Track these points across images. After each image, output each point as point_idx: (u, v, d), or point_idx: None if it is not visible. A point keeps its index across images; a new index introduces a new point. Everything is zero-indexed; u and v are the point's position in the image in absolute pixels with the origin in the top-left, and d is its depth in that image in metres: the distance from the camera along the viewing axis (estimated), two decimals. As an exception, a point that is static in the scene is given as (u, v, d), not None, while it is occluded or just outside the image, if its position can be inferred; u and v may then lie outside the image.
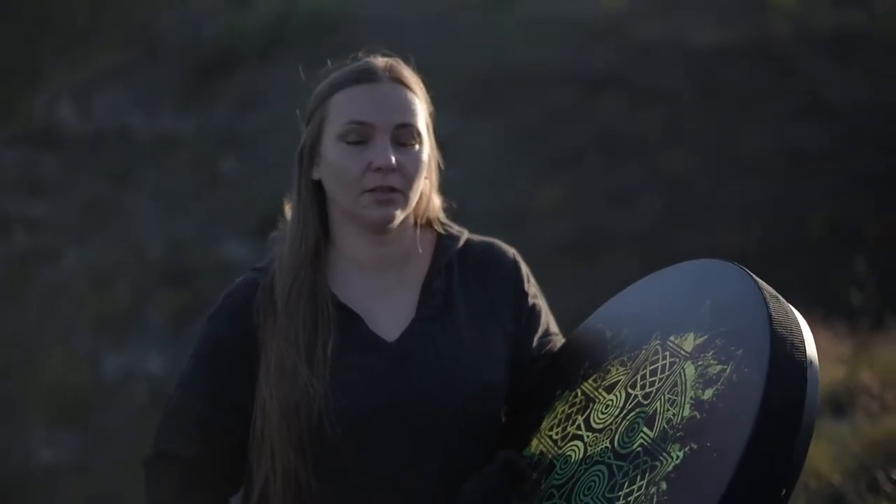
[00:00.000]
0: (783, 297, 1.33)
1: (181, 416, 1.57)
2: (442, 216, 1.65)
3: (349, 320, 1.54)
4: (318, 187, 1.58)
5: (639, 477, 1.29)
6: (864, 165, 13.56)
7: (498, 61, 15.97)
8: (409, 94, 1.56)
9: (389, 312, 1.56)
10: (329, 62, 1.62)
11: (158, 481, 1.58)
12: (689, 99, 15.24)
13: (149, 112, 17.34)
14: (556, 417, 1.51)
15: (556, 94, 15.68)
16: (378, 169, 1.51)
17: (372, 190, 1.52)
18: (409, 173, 1.53)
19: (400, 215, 1.54)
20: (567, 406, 1.50)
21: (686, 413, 1.28)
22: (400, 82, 1.56)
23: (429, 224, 1.64)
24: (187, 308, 14.89)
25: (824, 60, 15.43)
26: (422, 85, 1.59)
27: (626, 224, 13.39)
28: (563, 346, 1.62)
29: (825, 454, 3.13)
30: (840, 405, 3.75)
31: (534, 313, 1.64)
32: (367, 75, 1.55)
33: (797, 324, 1.28)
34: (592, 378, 1.49)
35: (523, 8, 17.17)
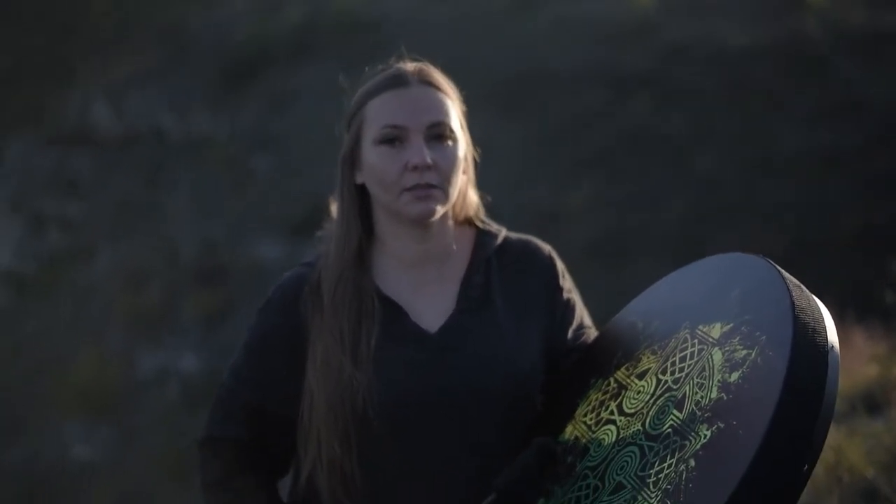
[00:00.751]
0: (816, 294, 1.38)
1: (231, 402, 1.66)
2: (481, 213, 1.73)
3: (393, 312, 1.62)
4: (361, 190, 1.66)
5: (669, 456, 1.36)
6: (894, 166, 13.51)
7: (527, 62, 15.99)
8: (440, 95, 1.63)
9: (431, 306, 1.64)
10: (367, 68, 1.70)
11: (209, 462, 1.67)
12: (720, 99, 15.22)
13: (181, 113, 17.45)
14: (590, 404, 1.58)
15: (585, 95, 15.69)
16: (415, 168, 1.58)
17: (411, 188, 1.59)
18: (444, 169, 1.61)
19: (440, 210, 1.61)
20: (601, 393, 1.57)
21: (714, 395, 1.35)
22: (430, 84, 1.64)
23: (468, 221, 1.71)
24: (220, 307, 14.98)
25: (856, 60, 15.38)
26: (453, 85, 1.67)
27: (655, 225, 13.39)
28: (597, 338, 1.70)
29: (859, 449, 3.15)
30: (875, 403, 3.78)
31: (569, 307, 1.71)
32: (399, 81, 1.63)
33: (819, 312, 1.35)
34: (625, 367, 1.56)
35: (552, 8, 17.18)
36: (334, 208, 1.69)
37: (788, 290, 1.34)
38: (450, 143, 1.62)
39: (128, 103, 17.90)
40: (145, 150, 17.15)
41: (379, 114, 1.61)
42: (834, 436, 2.87)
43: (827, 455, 2.85)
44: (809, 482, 2.90)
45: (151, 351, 14.91)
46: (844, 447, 3.03)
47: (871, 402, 3.71)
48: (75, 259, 16.14)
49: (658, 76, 15.71)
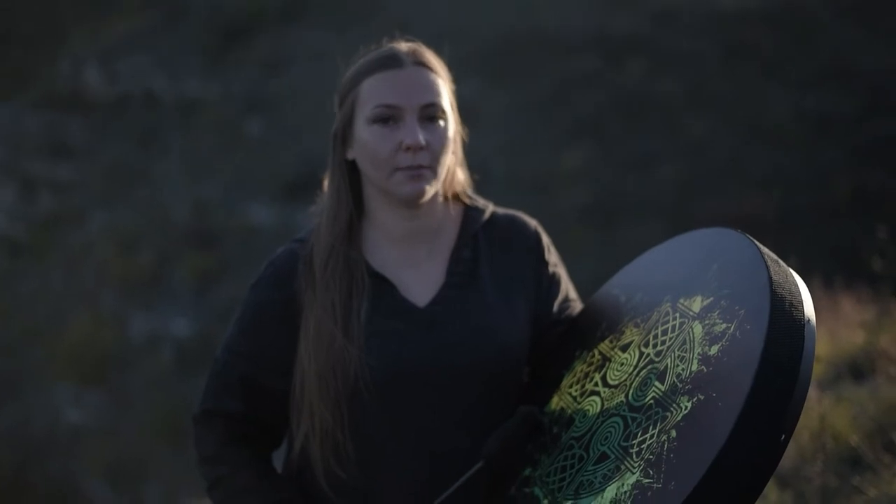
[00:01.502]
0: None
1: (227, 375, 1.70)
2: (468, 189, 1.76)
3: (383, 287, 1.66)
4: (352, 166, 1.70)
5: (651, 426, 1.40)
6: (887, 130, 13.52)
7: (520, 26, 15.95)
8: (433, 76, 1.66)
9: (420, 280, 1.68)
10: (361, 47, 1.73)
11: (205, 435, 1.71)
12: (712, 63, 15.20)
13: (173, 76, 17.40)
14: (575, 376, 1.62)
15: (578, 59, 15.67)
16: (408, 148, 1.62)
17: (403, 168, 1.63)
18: (436, 150, 1.64)
19: (430, 190, 1.65)
20: (585, 365, 1.62)
21: (694, 368, 1.39)
22: (423, 65, 1.66)
23: (455, 198, 1.75)
24: (212, 270, 14.99)
25: (847, 25, 15.37)
26: (444, 66, 1.70)
27: (647, 189, 13.40)
28: (582, 311, 1.74)
29: (845, 416, 3.18)
30: (861, 369, 3.82)
31: (554, 281, 1.75)
32: (393, 61, 1.65)
33: (796, 285, 1.39)
34: (608, 339, 1.61)
35: (546, -28, 17.12)
36: (326, 183, 1.72)
37: (766, 264, 1.38)
38: (441, 123, 1.65)
39: (120, 66, 17.84)
40: (137, 114, 17.11)
41: (374, 93, 1.64)
42: (820, 402, 2.92)
43: (812, 422, 2.90)
44: (795, 449, 2.93)
45: (144, 314, 14.92)
46: (830, 414, 3.07)
47: (857, 369, 3.75)
48: (67, 223, 16.13)
49: (650, 40, 15.69)
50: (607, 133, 14.78)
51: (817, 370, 3.85)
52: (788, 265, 1.43)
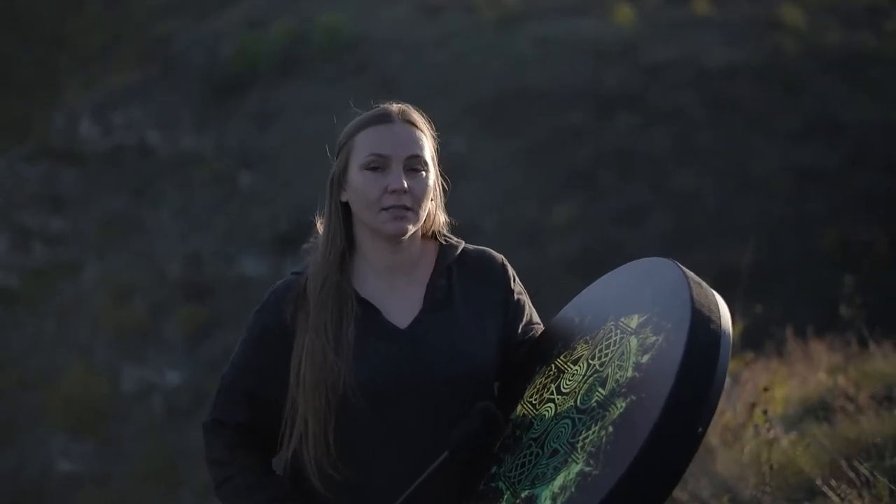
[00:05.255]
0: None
1: (233, 389, 1.98)
2: (445, 230, 2.05)
3: (369, 312, 1.94)
4: (345, 208, 1.98)
5: (593, 424, 1.69)
6: (870, 184, 13.76)
7: (511, 80, 16.21)
8: (418, 132, 1.97)
9: (401, 306, 1.96)
10: (352, 102, 2.06)
11: (213, 442, 1.99)
12: (700, 118, 15.45)
13: (167, 129, 17.62)
14: (535, 387, 1.91)
15: (568, 113, 15.91)
16: (393, 191, 1.91)
17: (388, 208, 1.92)
18: (417, 195, 1.94)
19: (412, 228, 1.94)
20: (544, 378, 1.90)
21: (629, 374, 1.68)
22: (410, 123, 1.97)
23: (433, 236, 2.03)
24: (205, 323, 15.14)
25: (833, 80, 15.66)
26: (429, 125, 2.00)
27: (637, 241, 13.62)
28: (542, 333, 2.03)
29: (805, 452, 3.41)
30: (824, 408, 4.07)
31: (519, 306, 2.04)
32: (384, 118, 1.96)
33: (716, 304, 1.68)
34: (563, 354, 1.90)
35: (536, 28, 17.41)
36: (319, 226, 2.00)
37: (689, 286, 1.67)
38: (423, 173, 1.95)
39: (114, 119, 18.07)
40: (131, 166, 17.31)
41: (366, 144, 1.94)
42: (776, 440, 3.15)
43: (774, 455, 3.12)
44: (758, 481, 3.13)
45: (136, 365, 15.06)
46: (791, 450, 3.31)
47: (820, 409, 4.00)
48: (61, 274, 16.28)
49: (639, 95, 15.96)
50: (597, 185, 15.02)
51: (783, 411, 4.13)
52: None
